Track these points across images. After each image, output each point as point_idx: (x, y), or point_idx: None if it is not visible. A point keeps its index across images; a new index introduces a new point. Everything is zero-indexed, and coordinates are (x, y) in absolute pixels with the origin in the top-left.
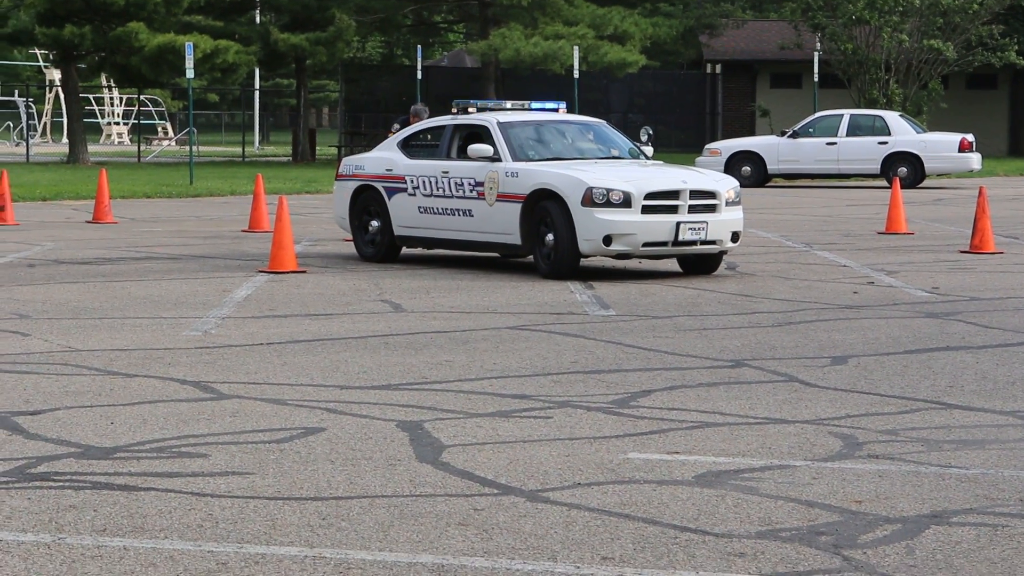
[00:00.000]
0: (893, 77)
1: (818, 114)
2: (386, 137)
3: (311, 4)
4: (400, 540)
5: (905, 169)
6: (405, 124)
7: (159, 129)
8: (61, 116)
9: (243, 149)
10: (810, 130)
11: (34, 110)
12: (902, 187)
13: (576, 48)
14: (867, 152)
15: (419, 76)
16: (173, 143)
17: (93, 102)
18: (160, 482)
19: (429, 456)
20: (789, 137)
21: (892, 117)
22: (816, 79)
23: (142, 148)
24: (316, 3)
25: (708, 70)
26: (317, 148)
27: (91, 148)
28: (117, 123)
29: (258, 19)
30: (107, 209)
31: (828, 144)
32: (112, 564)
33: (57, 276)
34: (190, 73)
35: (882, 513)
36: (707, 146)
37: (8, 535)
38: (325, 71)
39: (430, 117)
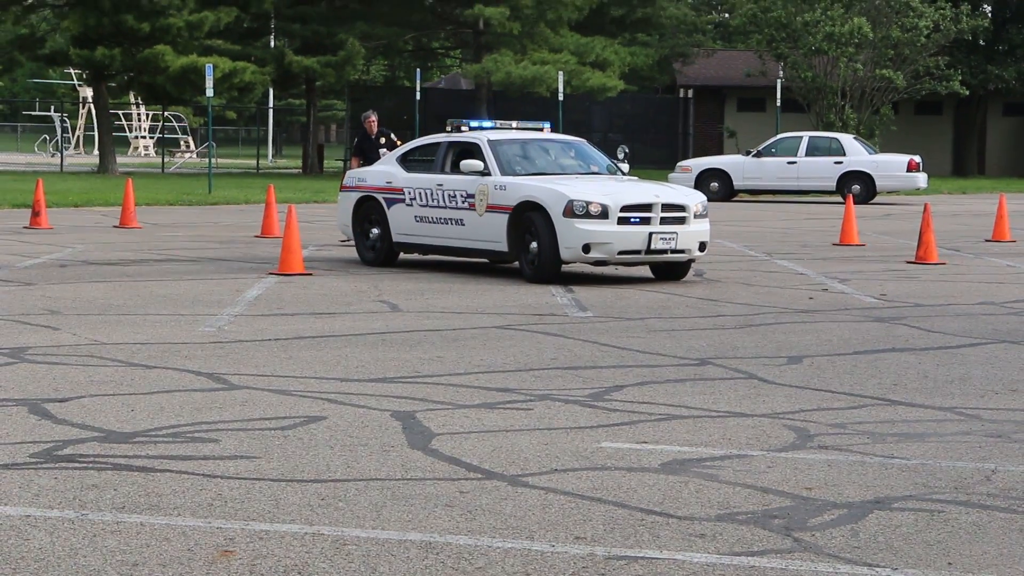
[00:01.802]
0: (848, 103)
1: (780, 136)
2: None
3: (321, 30)
4: (392, 519)
5: (858, 186)
6: (364, 136)
7: (182, 143)
8: (93, 130)
9: (257, 162)
10: (772, 150)
11: (68, 124)
12: (855, 203)
13: (561, 73)
14: (824, 171)
15: (418, 97)
16: (194, 155)
17: (122, 118)
18: (175, 464)
19: (420, 443)
20: (754, 156)
21: (847, 139)
22: (778, 104)
23: (166, 160)
24: (326, 29)
25: (681, 95)
26: (325, 161)
27: (119, 159)
28: (143, 137)
29: (273, 43)
30: (133, 215)
31: (789, 163)
32: (130, 539)
33: (86, 276)
34: (210, 92)
35: (830, 499)
36: (679, 163)
37: (36, 511)
38: (333, 91)
39: (424, 135)
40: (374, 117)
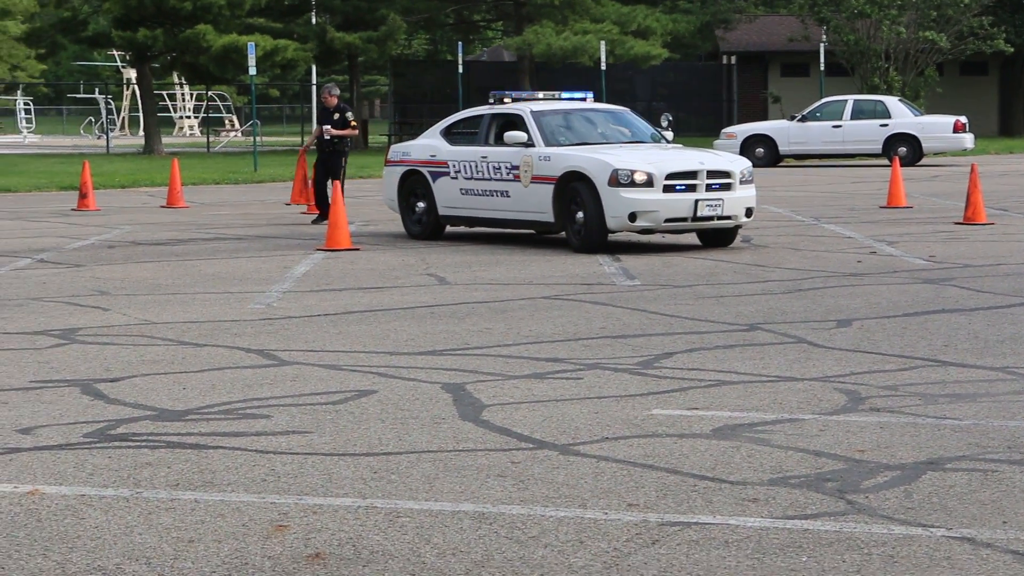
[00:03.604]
0: (892, 65)
1: (824, 100)
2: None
3: (362, 5)
4: (444, 491)
5: (904, 149)
6: (322, 108)
7: (226, 122)
8: (138, 111)
9: (302, 139)
10: (817, 114)
11: (113, 106)
12: (901, 165)
13: (603, 43)
14: (869, 134)
15: (460, 70)
16: (239, 134)
17: (166, 98)
18: (227, 441)
19: (470, 415)
20: (798, 121)
21: (892, 102)
22: (822, 68)
23: (211, 139)
24: (367, 4)
25: (724, 61)
26: (369, 137)
27: (165, 140)
28: (188, 117)
29: (314, 20)
30: (179, 195)
31: (834, 127)
32: (184, 515)
33: (134, 256)
34: (253, 70)
35: (883, 461)
36: (724, 130)
37: (91, 490)
38: (376, 67)
39: (468, 107)
40: (328, 92)
